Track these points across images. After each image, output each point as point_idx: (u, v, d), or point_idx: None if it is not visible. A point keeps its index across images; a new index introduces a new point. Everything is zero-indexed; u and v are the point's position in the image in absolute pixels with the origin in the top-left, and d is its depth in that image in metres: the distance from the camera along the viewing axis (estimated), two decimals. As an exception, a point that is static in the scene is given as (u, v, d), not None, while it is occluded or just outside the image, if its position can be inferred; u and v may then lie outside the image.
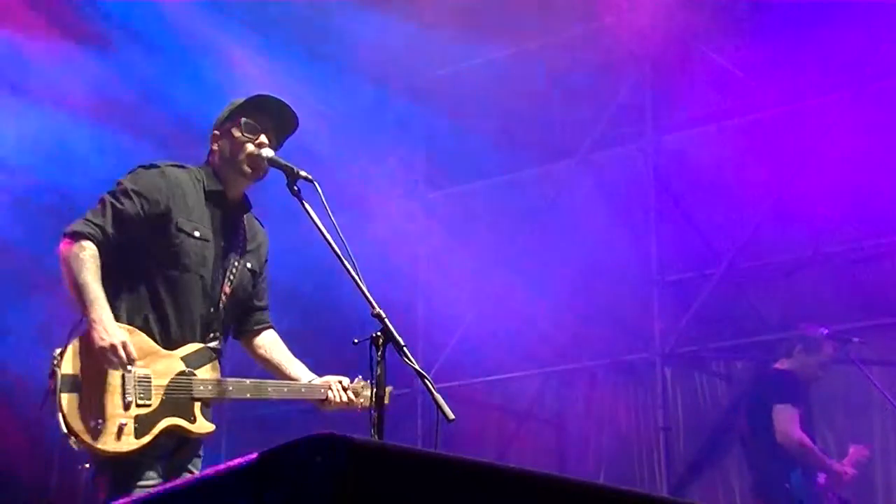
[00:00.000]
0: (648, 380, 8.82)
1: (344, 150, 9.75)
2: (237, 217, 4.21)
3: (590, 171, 9.31)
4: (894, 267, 8.00)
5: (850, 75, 8.08)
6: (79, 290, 3.78)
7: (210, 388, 3.96)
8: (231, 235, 4.16)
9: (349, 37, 9.08)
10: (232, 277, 4.13)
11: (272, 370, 4.34)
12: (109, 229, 3.91)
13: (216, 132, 4.18)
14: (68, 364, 3.69)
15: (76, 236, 3.87)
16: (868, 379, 6.53)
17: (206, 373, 3.97)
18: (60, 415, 3.63)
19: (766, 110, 8.58)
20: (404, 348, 3.40)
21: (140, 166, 4.10)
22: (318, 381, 4.24)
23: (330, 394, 4.18)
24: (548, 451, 9.41)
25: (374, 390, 3.38)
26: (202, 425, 3.93)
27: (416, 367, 3.39)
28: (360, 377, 4.25)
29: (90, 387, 3.70)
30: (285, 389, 4.17)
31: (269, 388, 4.12)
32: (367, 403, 4.05)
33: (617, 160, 9.28)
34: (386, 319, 3.42)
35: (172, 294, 3.96)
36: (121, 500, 2.74)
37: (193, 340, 3.99)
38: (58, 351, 3.72)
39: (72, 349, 3.73)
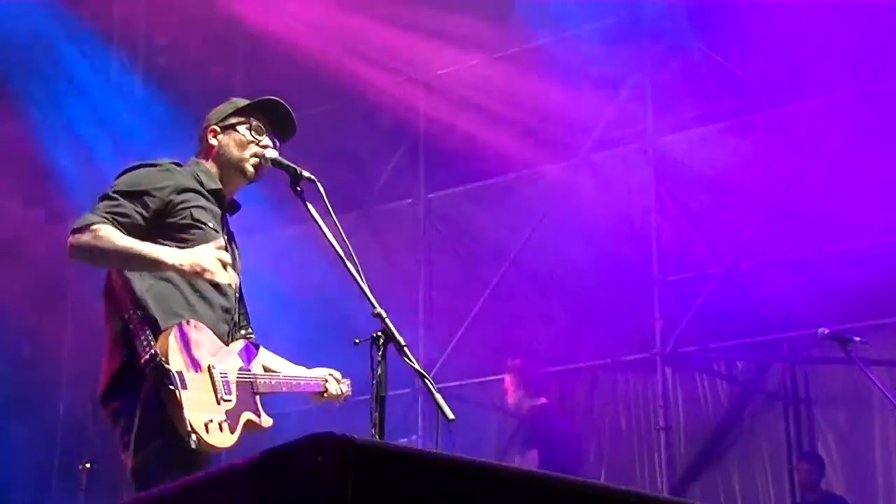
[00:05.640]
0: (648, 380, 8.82)
1: (344, 151, 9.77)
2: (226, 219, 4.04)
3: (590, 171, 9.30)
4: (894, 267, 7.99)
5: (850, 75, 8.08)
6: (130, 257, 3.54)
7: (265, 382, 3.90)
8: (226, 237, 3.99)
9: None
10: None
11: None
12: (118, 225, 3.62)
13: (215, 127, 4.00)
14: (175, 360, 3.48)
15: (85, 228, 3.56)
16: (868, 379, 6.51)
17: (257, 367, 3.90)
18: (184, 412, 3.44)
19: (766, 110, 8.58)
20: (405, 348, 3.40)
21: (140, 164, 3.86)
22: (313, 372, 4.23)
23: (329, 386, 4.20)
24: (548, 451, 9.40)
25: (376, 390, 3.38)
26: (266, 419, 3.86)
27: (417, 367, 3.38)
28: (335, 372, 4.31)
29: (192, 383, 3.52)
30: (293, 383, 4.13)
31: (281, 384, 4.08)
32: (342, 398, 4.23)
33: (617, 160, 9.28)
34: (387, 319, 3.41)
35: (197, 287, 3.75)
36: (121, 500, 2.71)
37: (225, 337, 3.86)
38: (152, 344, 3.47)
39: (173, 343, 3.51)
